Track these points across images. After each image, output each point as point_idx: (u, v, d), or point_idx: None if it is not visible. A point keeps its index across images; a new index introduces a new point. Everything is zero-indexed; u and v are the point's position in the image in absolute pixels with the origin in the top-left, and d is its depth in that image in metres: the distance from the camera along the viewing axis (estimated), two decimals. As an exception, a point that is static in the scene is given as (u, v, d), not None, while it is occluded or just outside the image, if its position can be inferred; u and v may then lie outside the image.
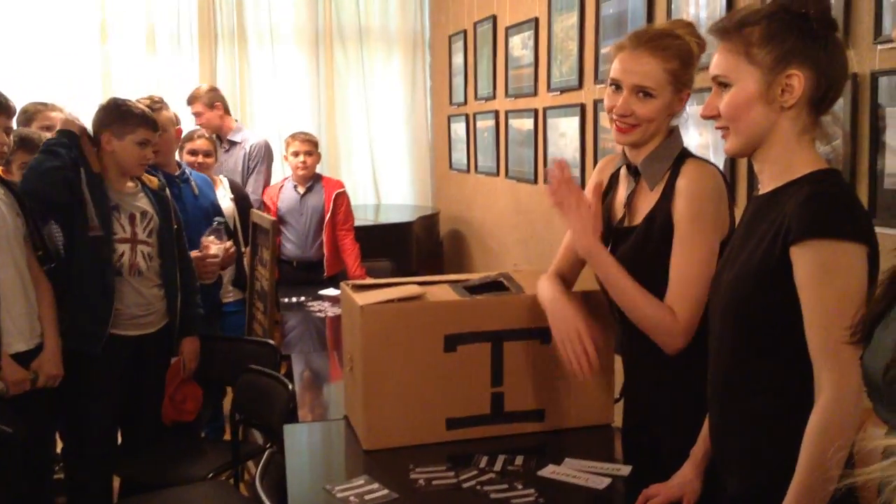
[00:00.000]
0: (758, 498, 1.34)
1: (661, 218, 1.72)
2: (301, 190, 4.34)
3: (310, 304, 3.84)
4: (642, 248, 1.74)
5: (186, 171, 3.48)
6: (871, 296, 0.87)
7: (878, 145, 2.17)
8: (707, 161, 1.80)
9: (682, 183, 1.70)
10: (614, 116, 1.76)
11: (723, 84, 1.37)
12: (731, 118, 1.36)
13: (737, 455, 1.40)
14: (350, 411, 2.06)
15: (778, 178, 1.35)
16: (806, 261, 1.25)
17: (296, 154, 4.30)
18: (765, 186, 1.39)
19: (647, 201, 1.77)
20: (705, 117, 1.41)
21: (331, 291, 3.97)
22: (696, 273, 1.65)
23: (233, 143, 4.55)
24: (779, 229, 1.28)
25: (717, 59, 1.38)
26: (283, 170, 4.90)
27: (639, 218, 1.78)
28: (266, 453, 1.92)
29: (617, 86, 1.75)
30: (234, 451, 2.80)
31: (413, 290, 1.92)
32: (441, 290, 1.96)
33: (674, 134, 1.79)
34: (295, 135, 4.37)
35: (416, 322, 1.86)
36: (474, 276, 2.08)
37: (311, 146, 4.34)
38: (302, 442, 2.06)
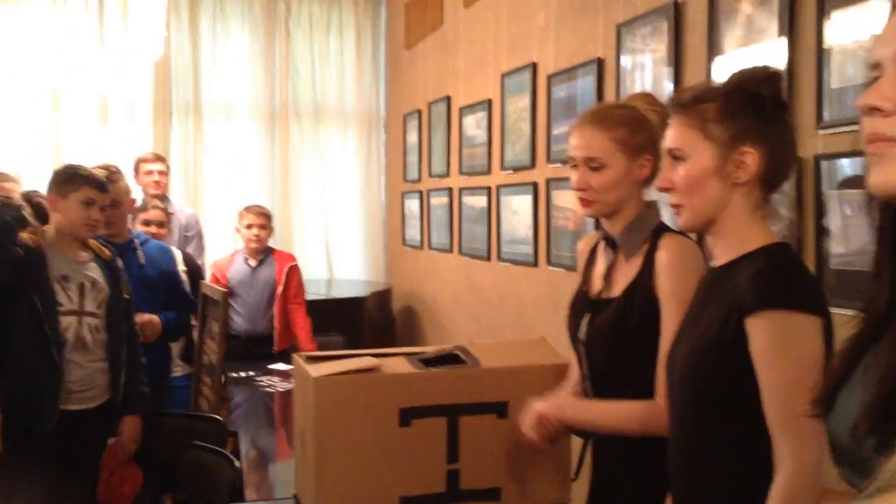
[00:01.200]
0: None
1: (641, 291, 1.72)
2: (253, 263, 4.29)
3: (258, 379, 3.76)
4: (622, 319, 1.74)
5: (135, 239, 3.41)
6: (828, 366, 0.88)
7: (821, 227, 2.24)
8: (685, 235, 1.81)
9: (662, 256, 1.70)
10: (577, 194, 1.80)
11: (677, 157, 1.40)
12: (686, 191, 1.38)
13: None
14: (301, 489, 1.98)
15: (732, 252, 1.38)
16: (761, 332, 1.26)
17: (249, 226, 4.27)
18: (718, 260, 1.42)
19: (626, 274, 1.77)
20: (660, 189, 1.44)
21: (280, 366, 3.90)
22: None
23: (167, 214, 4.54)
24: (733, 301, 1.29)
25: (672, 133, 1.41)
26: (233, 242, 4.87)
27: (617, 290, 1.78)
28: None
29: (574, 163, 1.80)
30: (175, 533, 2.68)
31: (368, 361, 1.88)
32: (396, 363, 1.92)
33: (652, 207, 1.82)
34: (249, 207, 4.36)
35: (371, 395, 1.82)
36: (430, 349, 2.05)
37: (264, 219, 4.32)
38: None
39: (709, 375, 1.34)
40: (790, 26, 2.34)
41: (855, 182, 2.16)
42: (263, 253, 4.33)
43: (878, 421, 0.73)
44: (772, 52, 2.38)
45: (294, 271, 4.34)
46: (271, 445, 2.83)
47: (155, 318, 3.26)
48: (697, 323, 1.38)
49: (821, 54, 2.23)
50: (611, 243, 1.83)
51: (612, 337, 1.76)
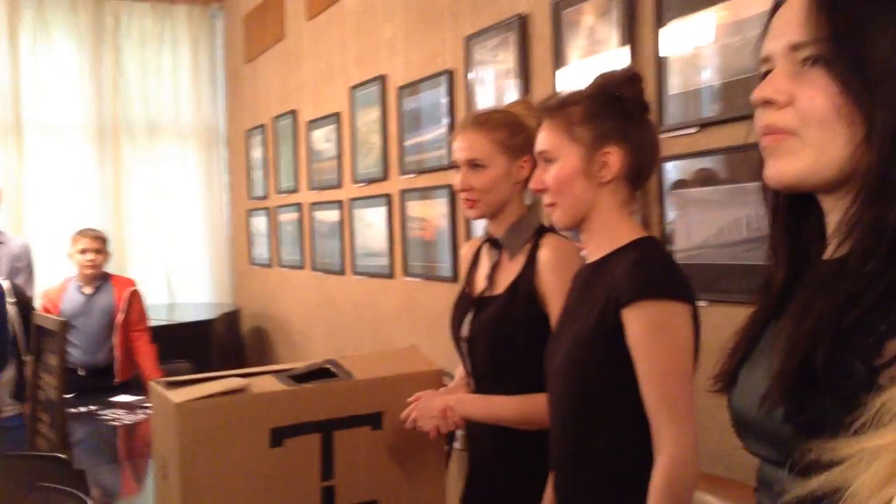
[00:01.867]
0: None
1: (524, 287, 1.75)
2: (88, 290, 4.02)
3: (101, 413, 3.51)
4: (505, 314, 1.76)
5: None
6: (729, 344, 0.92)
7: (666, 224, 2.37)
8: (561, 236, 1.86)
9: (543, 254, 1.75)
10: (460, 195, 1.84)
11: (548, 160, 1.45)
12: (556, 191, 1.44)
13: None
14: None
15: (605, 247, 1.43)
16: (637, 321, 1.31)
17: (83, 251, 3.99)
18: (592, 255, 1.46)
19: (509, 272, 1.81)
20: (534, 190, 1.49)
21: (124, 398, 3.68)
22: None
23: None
24: (610, 294, 1.34)
25: (542, 136, 1.46)
26: (64, 270, 4.54)
27: (500, 288, 1.81)
28: (68, 578, 1.68)
29: (457, 165, 1.84)
30: (19, 585, 2.44)
31: (235, 382, 1.78)
32: (265, 381, 1.83)
33: (533, 209, 1.88)
34: (83, 231, 4.07)
35: (239, 417, 1.72)
36: (299, 365, 1.97)
37: (100, 243, 4.05)
38: (107, 562, 1.83)
39: (589, 366, 1.37)
40: (630, 36, 2.47)
41: (693, 182, 2.30)
42: (99, 279, 4.06)
43: (787, 391, 0.76)
44: (614, 62, 2.50)
45: (135, 297, 4.10)
46: (115, 483, 2.67)
47: None
48: (576, 316, 1.42)
49: (659, 62, 2.38)
50: (495, 244, 1.87)
51: (495, 332, 1.79)
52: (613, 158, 1.40)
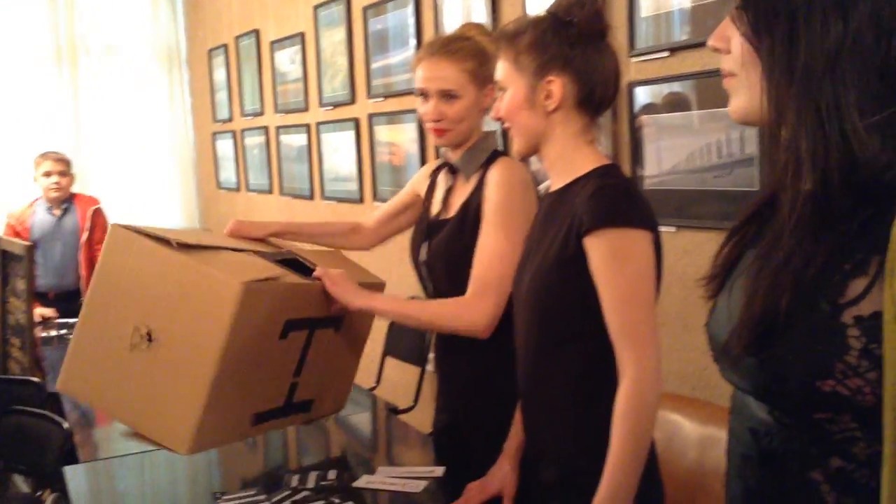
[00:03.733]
0: (577, 483, 1.38)
1: (474, 207, 1.78)
2: (57, 212, 3.97)
3: (71, 336, 3.51)
4: (457, 236, 1.80)
5: None
6: (719, 252, 0.94)
7: (637, 150, 2.39)
8: (517, 161, 1.87)
9: (491, 175, 1.78)
10: (429, 125, 1.84)
11: (500, 89, 1.46)
12: (509, 121, 1.45)
13: (551, 442, 1.45)
14: (147, 412, 1.56)
15: (565, 176, 1.44)
16: (598, 249, 1.33)
17: (47, 174, 3.92)
18: (553, 185, 1.48)
19: (462, 194, 1.84)
20: (494, 119, 1.50)
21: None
22: (496, 255, 1.69)
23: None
24: (571, 222, 1.36)
25: (498, 66, 1.46)
26: (26, 193, 4.46)
27: (454, 210, 1.84)
28: (51, 498, 1.71)
29: (424, 94, 1.83)
30: (4, 502, 2.48)
31: (266, 267, 1.64)
32: (278, 270, 1.68)
33: (489, 136, 1.90)
34: (45, 154, 3.99)
35: (276, 304, 1.60)
36: (267, 250, 1.84)
37: (63, 165, 3.98)
38: (86, 484, 1.87)
39: (553, 293, 1.40)
40: (603, -43, 2.43)
41: (665, 107, 2.31)
42: (66, 201, 4.01)
43: (751, 335, 0.80)
44: (586, -17, 2.46)
45: (98, 214, 4.05)
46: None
47: None
48: (540, 245, 1.44)
49: (632, -16, 2.35)
50: (452, 169, 1.90)
51: (449, 255, 1.82)
52: (556, 87, 1.39)
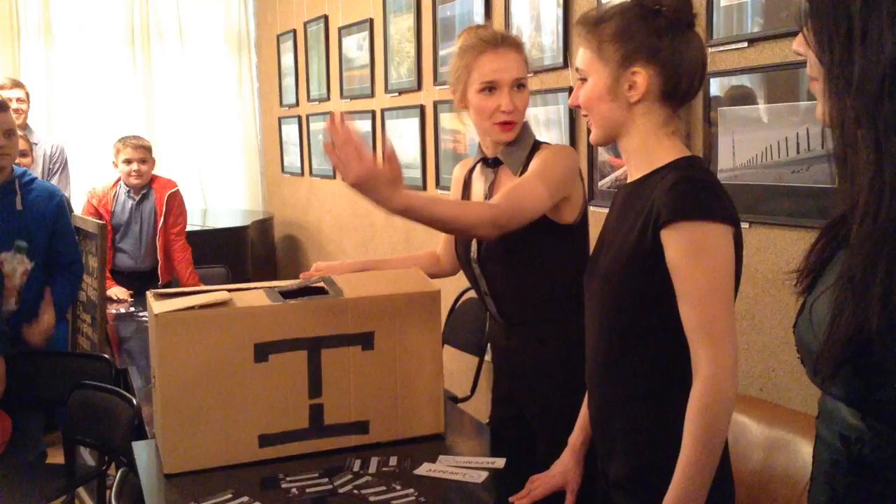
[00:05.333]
0: (646, 478, 1.36)
1: None
2: (136, 196, 4.05)
3: (141, 314, 3.60)
4: (511, 232, 1.77)
5: (27, 175, 3.01)
6: (811, 248, 0.92)
7: (711, 142, 2.32)
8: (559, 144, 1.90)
9: (538, 156, 1.80)
10: (501, 117, 1.80)
11: (581, 78, 1.43)
12: (587, 109, 1.43)
13: (621, 438, 1.42)
14: (157, 431, 1.83)
15: (643, 168, 1.41)
16: (676, 242, 1.29)
17: (128, 161, 3.97)
18: (631, 176, 1.44)
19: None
20: (572, 106, 1.48)
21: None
22: (528, 182, 1.71)
23: (30, 144, 4.21)
24: (649, 214, 1.32)
25: (579, 54, 1.43)
26: (95, 174, 4.58)
27: None
28: (119, 472, 1.76)
29: (490, 88, 1.79)
30: (70, 475, 2.56)
31: (220, 296, 1.75)
32: (252, 296, 1.79)
33: (527, 125, 1.88)
34: (125, 140, 4.00)
35: (220, 331, 1.70)
36: (292, 282, 1.92)
37: (144, 152, 4.00)
38: (154, 459, 1.91)
39: (628, 285, 1.37)
40: (681, -56, 2.37)
41: (741, 99, 2.24)
42: (145, 185, 4.09)
43: (838, 364, 0.78)
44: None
45: (174, 198, 4.11)
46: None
47: (46, 321, 2.89)
48: (615, 236, 1.41)
49: (711, -28, 2.28)
50: (491, 164, 1.88)
51: (505, 248, 1.79)
52: (641, 79, 1.35)
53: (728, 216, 1.31)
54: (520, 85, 1.81)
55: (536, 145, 1.85)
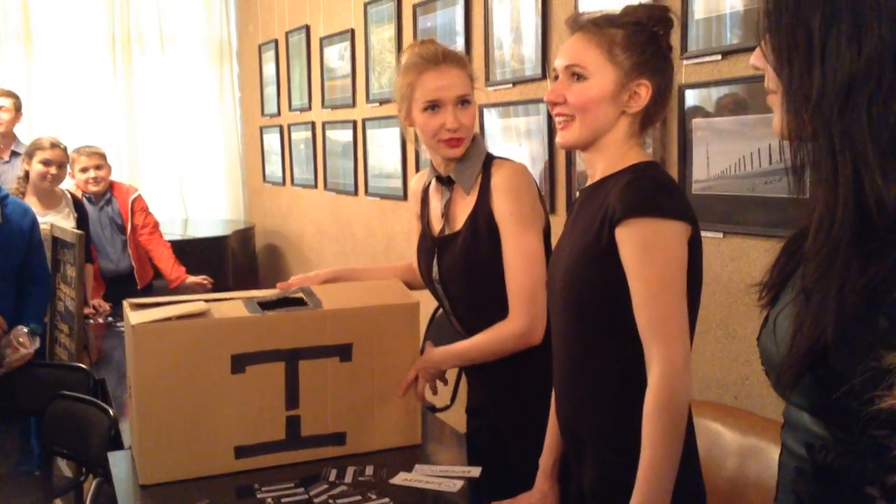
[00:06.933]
0: (614, 482, 1.37)
1: (483, 217, 1.78)
2: (98, 202, 4.05)
3: (119, 324, 3.58)
4: (472, 248, 1.79)
5: (1, 190, 3.01)
6: (775, 262, 0.93)
7: (686, 153, 2.35)
8: (512, 160, 1.88)
9: (496, 181, 1.78)
10: (446, 135, 1.78)
11: (578, 75, 1.40)
12: (579, 109, 1.40)
13: (590, 443, 1.43)
14: (133, 442, 1.82)
15: (605, 171, 1.43)
16: (629, 240, 1.30)
17: (84, 170, 3.95)
18: (592, 178, 1.46)
19: (465, 206, 1.82)
20: (551, 102, 1.43)
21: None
22: (528, 263, 1.74)
23: (15, 154, 4.19)
24: (605, 213, 1.34)
25: (574, 50, 1.40)
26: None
27: (459, 223, 1.83)
28: (94, 483, 1.75)
29: (434, 106, 1.78)
30: (48, 487, 2.55)
31: (197, 307, 1.75)
32: (230, 307, 1.78)
33: (476, 140, 1.87)
34: (79, 150, 3.99)
35: (197, 341, 1.70)
36: (271, 292, 1.92)
37: (99, 159, 3.99)
38: (130, 469, 1.90)
39: (586, 285, 1.38)
40: (656, -42, 2.40)
41: (714, 111, 2.27)
42: (106, 191, 4.09)
43: (797, 375, 0.80)
44: (638, -16, 2.43)
45: (137, 202, 4.11)
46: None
47: (24, 347, 2.86)
48: (573, 236, 1.43)
49: (685, -15, 2.31)
50: (445, 181, 1.87)
51: (465, 269, 1.81)
52: (644, 91, 1.38)
53: (682, 214, 1.32)
54: (464, 101, 1.79)
55: (489, 160, 1.83)
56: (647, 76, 1.38)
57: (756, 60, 0.89)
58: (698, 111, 2.32)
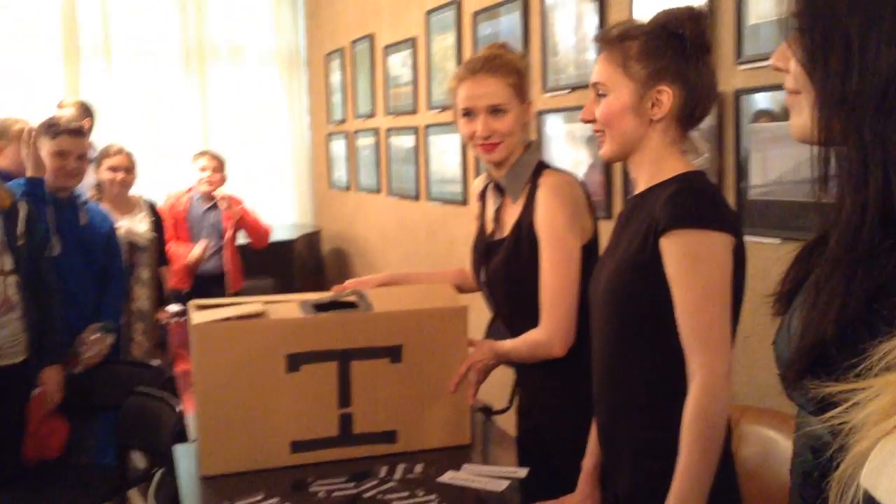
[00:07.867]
0: (650, 488, 1.38)
1: (526, 228, 1.83)
2: (206, 205, 4.39)
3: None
4: (513, 258, 1.85)
5: (83, 195, 3.21)
6: (788, 269, 0.93)
7: (742, 159, 2.34)
8: (564, 171, 1.92)
9: (540, 192, 1.82)
10: (479, 141, 1.86)
11: (600, 93, 1.45)
12: (605, 124, 1.44)
13: (626, 448, 1.45)
14: (197, 435, 1.91)
15: (649, 182, 1.44)
16: (674, 250, 1.32)
17: (203, 169, 4.39)
18: (637, 189, 1.48)
19: (512, 214, 1.88)
20: (584, 121, 1.50)
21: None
22: (559, 278, 1.78)
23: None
24: (650, 224, 1.36)
25: (597, 68, 1.45)
26: (153, 189, 4.79)
27: (507, 230, 1.88)
28: (157, 473, 1.85)
29: (469, 113, 1.86)
30: (121, 477, 2.68)
31: (254, 308, 1.84)
32: (286, 308, 1.87)
33: (531, 147, 1.91)
34: (204, 152, 4.51)
35: (254, 341, 1.79)
36: (325, 295, 1.99)
37: (216, 163, 4.45)
38: (194, 461, 2.00)
39: (629, 295, 1.40)
40: (711, -37, 2.40)
41: (773, 115, 2.25)
42: (213, 198, 4.44)
43: (800, 373, 0.80)
44: (694, -11, 2.43)
45: (245, 214, 4.47)
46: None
47: (98, 344, 3.02)
48: (617, 247, 1.45)
49: (740, -9, 2.30)
50: (497, 187, 1.92)
51: (507, 276, 1.86)
52: (666, 97, 1.39)
53: (727, 225, 1.33)
54: (495, 110, 1.83)
55: (539, 169, 1.86)
56: (666, 82, 1.39)
57: (778, 61, 0.87)
58: (754, 116, 2.30)
